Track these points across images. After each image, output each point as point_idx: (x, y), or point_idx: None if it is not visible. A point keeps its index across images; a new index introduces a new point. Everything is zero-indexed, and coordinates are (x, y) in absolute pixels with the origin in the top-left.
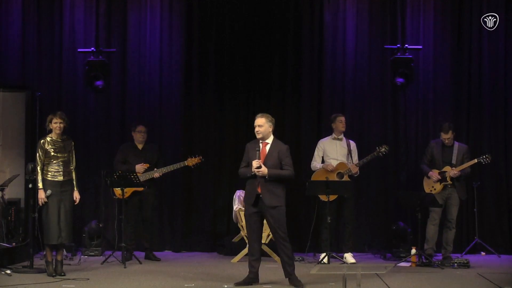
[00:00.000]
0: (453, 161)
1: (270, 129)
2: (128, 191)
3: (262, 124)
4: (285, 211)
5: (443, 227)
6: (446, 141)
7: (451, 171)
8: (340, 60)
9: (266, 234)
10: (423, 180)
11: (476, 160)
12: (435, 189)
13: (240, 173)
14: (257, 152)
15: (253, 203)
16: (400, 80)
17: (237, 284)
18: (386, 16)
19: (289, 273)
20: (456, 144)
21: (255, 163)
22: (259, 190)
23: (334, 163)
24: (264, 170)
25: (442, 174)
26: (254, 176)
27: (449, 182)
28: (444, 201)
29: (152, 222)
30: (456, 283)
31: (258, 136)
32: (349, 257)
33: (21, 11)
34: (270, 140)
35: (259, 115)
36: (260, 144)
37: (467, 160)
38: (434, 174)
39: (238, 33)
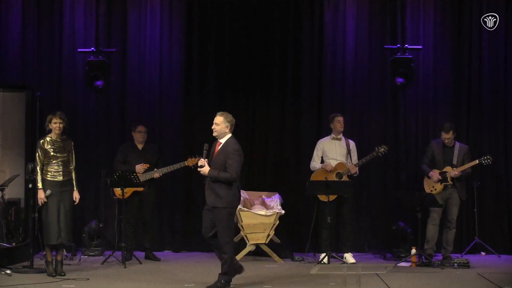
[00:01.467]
0: (454, 162)
1: (227, 129)
2: (128, 191)
3: (219, 123)
4: (228, 212)
5: (443, 227)
6: (447, 141)
7: (452, 172)
8: (340, 60)
9: (266, 234)
10: (424, 180)
11: (477, 161)
12: (435, 189)
13: None
14: (204, 151)
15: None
16: (400, 80)
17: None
18: (386, 16)
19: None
20: (457, 144)
21: (199, 162)
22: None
23: (333, 163)
24: (204, 169)
25: (443, 174)
26: None
27: (450, 182)
28: (444, 201)
29: (152, 222)
30: (456, 283)
31: (213, 134)
32: (349, 257)
33: (21, 11)
34: (224, 140)
35: (219, 113)
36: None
37: (468, 160)
38: (435, 174)
39: (238, 33)
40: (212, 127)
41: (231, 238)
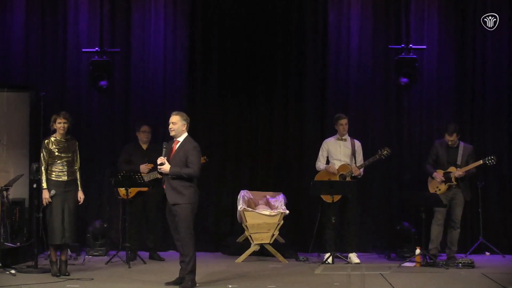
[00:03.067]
0: (458, 162)
1: (184, 128)
2: (132, 191)
3: (176, 122)
4: (190, 209)
5: (447, 227)
6: (450, 143)
7: (456, 172)
8: (344, 60)
9: (270, 234)
10: (428, 180)
11: (481, 161)
12: (440, 189)
13: None
14: (164, 149)
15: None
16: (404, 80)
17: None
18: (390, 16)
19: (182, 276)
20: (462, 145)
21: (159, 160)
22: (164, 187)
23: (337, 163)
24: (164, 167)
25: (447, 174)
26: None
27: (454, 182)
28: (448, 201)
29: (157, 222)
30: (460, 283)
31: (171, 134)
32: (353, 257)
33: (25, 11)
34: (181, 138)
35: (175, 112)
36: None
37: (472, 160)
38: (439, 175)
39: (241, 33)
40: (169, 127)
41: (193, 235)
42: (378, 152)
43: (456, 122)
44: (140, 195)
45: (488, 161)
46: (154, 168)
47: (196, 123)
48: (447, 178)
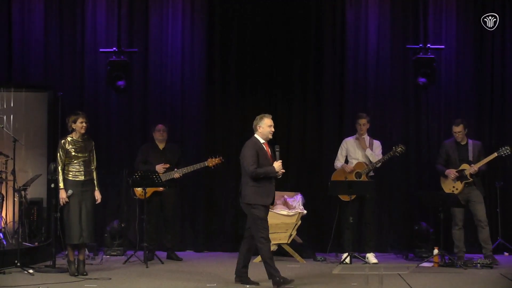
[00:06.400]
0: (470, 158)
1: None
2: (149, 191)
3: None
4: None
5: (476, 227)
6: (457, 135)
7: (471, 168)
8: (362, 59)
9: (288, 234)
10: (440, 181)
11: (496, 154)
12: (456, 189)
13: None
14: (277, 152)
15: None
16: (422, 80)
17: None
18: (408, 16)
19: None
20: (470, 142)
21: (279, 163)
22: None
23: (354, 163)
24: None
25: (461, 172)
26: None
27: (470, 179)
28: (466, 201)
29: (174, 222)
30: (478, 284)
31: (271, 136)
32: (371, 257)
33: (44, 12)
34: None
35: (270, 116)
36: (263, 145)
37: (483, 157)
38: (451, 172)
39: (260, 32)
40: (272, 130)
41: None
42: (392, 149)
43: (475, 121)
44: (156, 195)
45: (503, 152)
46: (171, 168)
47: (214, 123)
48: (461, 176)
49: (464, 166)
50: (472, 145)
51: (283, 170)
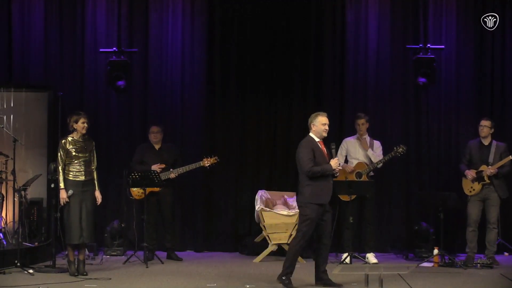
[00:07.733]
0: (490, 160)
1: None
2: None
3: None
4: None
5: (485, 228)
6: (482, 128)
7: (488, 170)
8: (362, 59)
9: (288, 234)
10: (462, 181)
11: (510, 157)
12: (474, 189)
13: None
14: (333, 150)
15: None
16: (422, 80)
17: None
18: (408, 16)
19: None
20: (494, 143)
21: (336, 161)
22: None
23: (355, 163)
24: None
25: (479, 173)
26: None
27: (487, 181)
28: (482, 202)
29: (172, 221)
30: (479, 284)
31: (325, 135)
32: (371, 257)
33: (44, 12)
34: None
35: (324, 114)
36: (319, 144)
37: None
38: (470, 172)
39: (260, 33)
40: (326, 128)
41: None
42: (393, 150)
43: (475, 121)
44: (153, 195)
45: None
46: (167, 168)
47: (214, 123)
48: (479, 177)
49: (483, 167)
50: (495, 146)
51: (341, 167)
